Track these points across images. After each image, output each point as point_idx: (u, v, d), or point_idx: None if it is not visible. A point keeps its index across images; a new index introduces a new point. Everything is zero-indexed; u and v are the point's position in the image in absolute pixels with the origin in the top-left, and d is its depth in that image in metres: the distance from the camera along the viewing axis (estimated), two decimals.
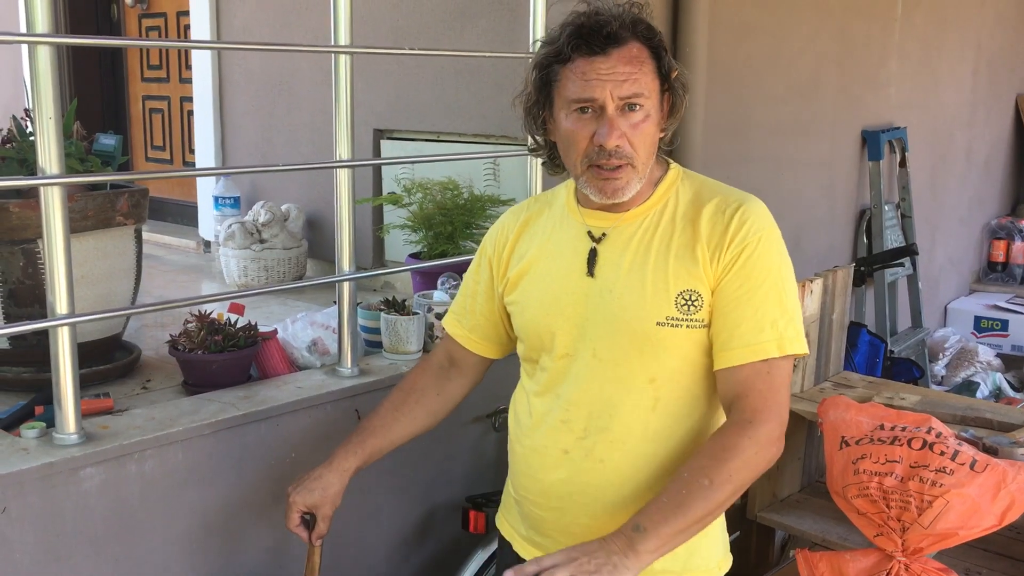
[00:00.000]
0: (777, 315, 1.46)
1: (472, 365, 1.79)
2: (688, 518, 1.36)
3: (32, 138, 2.20)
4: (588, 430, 1.54)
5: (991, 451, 1.91)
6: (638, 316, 1.49)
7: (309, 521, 1.71)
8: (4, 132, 2.36)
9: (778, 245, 1.51)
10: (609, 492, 1.54)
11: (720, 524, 1.64)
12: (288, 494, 1.70)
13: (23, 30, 1.67)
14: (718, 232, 1.48)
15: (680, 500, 1.37)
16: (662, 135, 1.54)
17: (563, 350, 1.56)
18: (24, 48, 1.67)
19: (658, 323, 1.48)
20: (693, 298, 1.48)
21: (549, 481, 1.59)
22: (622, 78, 1.43)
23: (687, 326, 1.48)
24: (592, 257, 1.55)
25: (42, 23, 1.64)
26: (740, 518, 2.42)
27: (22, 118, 2.35)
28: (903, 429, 1.88)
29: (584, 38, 1.44)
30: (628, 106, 1.45)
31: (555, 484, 1.58)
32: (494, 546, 2.18)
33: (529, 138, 1.64)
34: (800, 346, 1.48)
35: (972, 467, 1.77)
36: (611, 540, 1.33)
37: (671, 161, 1.61)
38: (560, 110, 1.50)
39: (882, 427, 1.91)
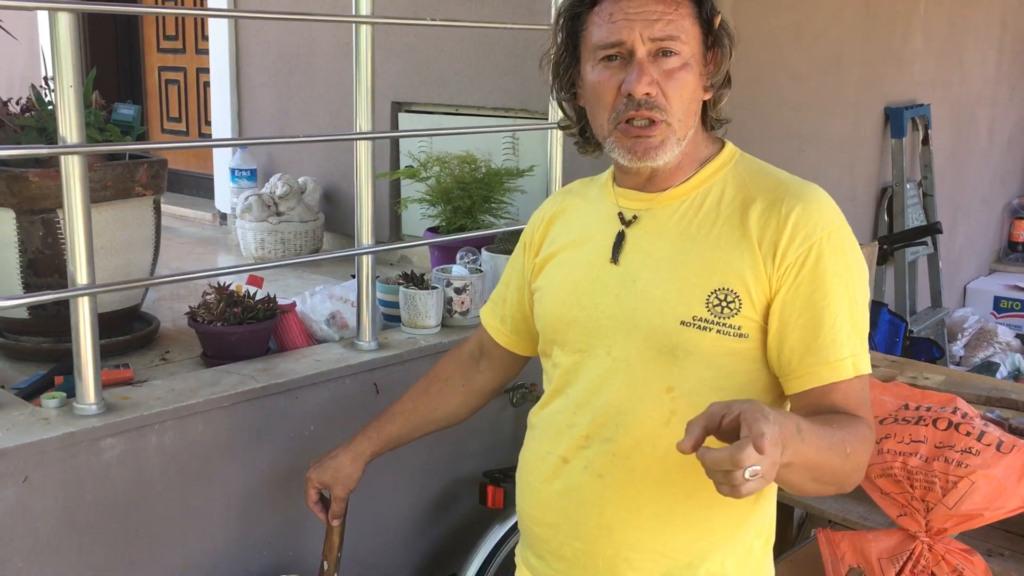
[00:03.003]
0: (850, 328, 1.26)
1: (502, 358, 1.64)
2: (822, 465, 1.15)
3: (51, 107, 2.19)
4: (591, 439, 1.35)
5: (1017, 432, 1.89)
6: (660, 312, 1.29)
7: (327, 500, 1.71)
8: (23, 101, 2.35)
9: (850, 243, 1.29)
10: (607, 512, 1.34)
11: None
12: (309, 468, 1.70)
13: None
14: (772, 228, 1.26)
15: (829, 444, 1.15)
16: (707, 96, 1.34)
17: (576, 345, 1.38)
18: (41, 17, 1.65)
19: (682, 322, 1.27)
20: (729, 299, 1.26)
21: (545, 492, 1.41)
22: (654, 17, 1.25)
23: (718, 331, 1.26)
24: (619, 242, 1.36)
25: None
26: None
27: (41, 87, 2.33)
28: (928, 409, 1.86)
29: None
30: (662, 51, 1.26)
31: (550, 497, 1.40)
32: (511, 521, 2.18)
33: (558, 111, 1.51)
34: (868, 365, 1.29)
35: (998, 448, 1.75)
36: (784, 423, 1.05)
37: (727, 142, 1.40)
38: (586, 63, 1.32)
39: (906, 407, 1.88)
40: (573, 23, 1.34)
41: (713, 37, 1.32)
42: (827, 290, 1.25)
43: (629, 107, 1.27)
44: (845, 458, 1.18)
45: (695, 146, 1.35)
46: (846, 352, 1.25)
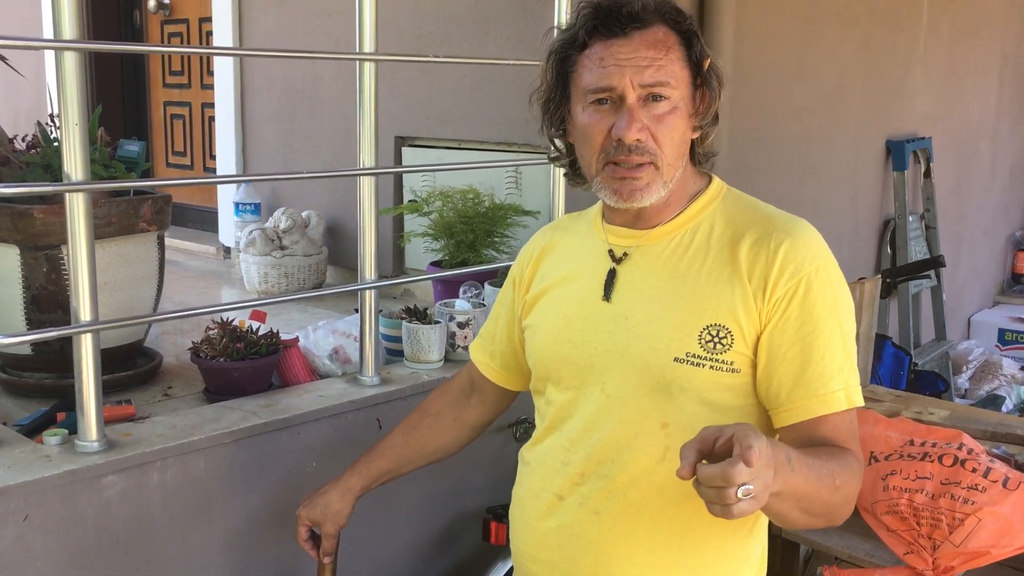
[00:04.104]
0: (842, 360, 1.27)
1: (492, 393, 1.64)
2: (812, 495, 1.15)
3: (57, 144, 2.21)
4: (586, 475, 1.35)
5: (1023, 468, 1.87)
6: (653, 349, 1.30)
7: (319, 537, 1.69)
8: (29, 138, 2.37)
9: (837, 277, 1.31)
10: (603, 549, 1.35)
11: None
12: (299, 505, 1.68)
13: (48, 36, 1.67)
14: (762, 263, 1.28)
15: (818, 475, 1.16)
16: (695, 135, 1.36)
17: (570, 382, 1.39)
18: (48, 54, 1.67)
19: (676, 359, 1.29)
20: (721, 335, 1.28)
21: (540, 530, 1.41)
22: (644, 63, 1.26)
23: (711, 367, 1.28)
24: (610, 279, 1.37)
25: (69, 30, 1.64)
26: None
27: (46, 124, 2.35)
28: (934, 445, 1.85)
29: (602, 19, 1.28)
30: (652, 96, 1.27)
31: (546, 534, 1.40)
32: None
33: (550, 145, 1.51)
34: (860, 398, 1.30)
35: (1005, 485, 1.74)
36: (775, 452, 1.05)
37: (714, 176, 1.43)
38: (576, 104, 1.33)
39: (912, 443, 1.88)
40: (563, 64, 1.35)
41: (702, 78, 1.33)
42: (816, 324, 1.27)
43: (619, 151, 1.29)
44: (834, 490, 1.19)
45: (683, 183, 1.37)
46: (836, 385, 1.27)
